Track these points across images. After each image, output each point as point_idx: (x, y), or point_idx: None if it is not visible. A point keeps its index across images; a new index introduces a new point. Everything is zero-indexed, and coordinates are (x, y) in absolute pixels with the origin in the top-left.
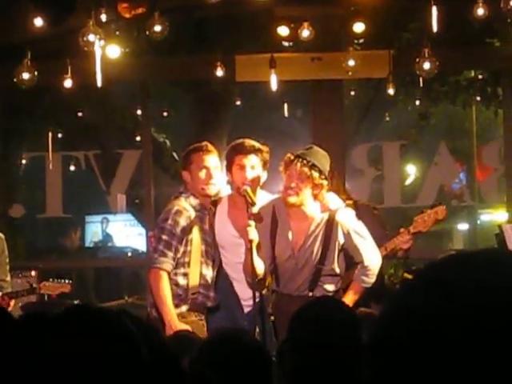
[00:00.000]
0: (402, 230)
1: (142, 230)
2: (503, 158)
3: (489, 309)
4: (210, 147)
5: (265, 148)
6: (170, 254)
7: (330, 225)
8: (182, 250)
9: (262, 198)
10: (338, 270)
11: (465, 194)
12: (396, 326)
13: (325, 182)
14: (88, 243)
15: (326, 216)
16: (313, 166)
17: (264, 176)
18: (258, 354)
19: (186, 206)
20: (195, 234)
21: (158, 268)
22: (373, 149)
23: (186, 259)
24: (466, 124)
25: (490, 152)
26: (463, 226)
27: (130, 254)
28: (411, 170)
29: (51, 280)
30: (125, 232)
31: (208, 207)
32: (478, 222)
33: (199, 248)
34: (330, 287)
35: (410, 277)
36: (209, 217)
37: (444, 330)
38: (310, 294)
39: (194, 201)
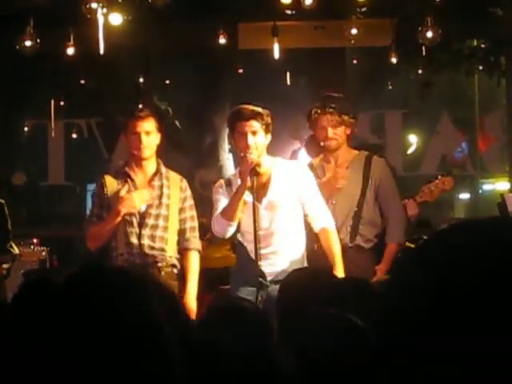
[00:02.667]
0: (406, 200)
1: None
2: (505, 127)
3: (488, 272)
4: (143, 113)
5: (265, 111)
6: (93, 220)
7: (368, 167)
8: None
9: (266, 163)
10: (377, 220)
11: (467, 163)
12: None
13: (354, 121)
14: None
15: (361, 158)
16: (340, 111)
17: (268, 139)
18: (259, 322)
19: (106, 176)
20: (115, 198)
21: (85, 232)
22: (375, 117)
23: None
24: (469, 93)
25: (492, 121)
26: (465, 196)
27: None
28: (413, 139)
29: (31, 248)
30: None
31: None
32: (480, 191)
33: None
34: (371, 236)
35: (411, 246)
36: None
37: (449, 293)
38: (350, 244)
39: (120, 169)
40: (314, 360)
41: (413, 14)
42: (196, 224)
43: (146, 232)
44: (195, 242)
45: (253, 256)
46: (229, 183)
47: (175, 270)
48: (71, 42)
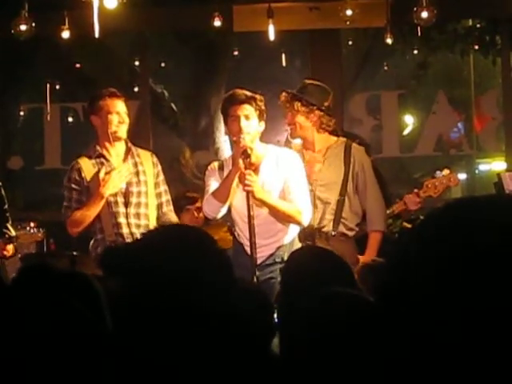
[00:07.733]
0: (409, 195)
1: None
2: (501, 106)
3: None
4: (119, 93)
5: (258, 96)
6: (73, 205)
7: (348, 155)
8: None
9: (259, 149)
10: (358, 208)
11: (463, 143)
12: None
13: (314, 108)
14: None
15: (340, 145)
16: (294, 97)
17: (262, 126)
18: (264, 303)
19: (80, 160)
20: (95, 181)
21: (66, 219)
22: (371, 98)
23: None
24: (464, 73)
25: (488, 101)
26: (461, 176)
27: None
28: (409, 120)
29: (27, 229)
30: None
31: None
32: (476, 171)
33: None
34: (352, 224)
35: (408, 226)
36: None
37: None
38: (333, 232)
39: (92, 151)
40: (318, 338)
41: None
42: (169, 197)
43: (132, 210)
44: (172, 215)
45: (243, 241)
46: (221, 166)
47: None
48: (66, 26)
